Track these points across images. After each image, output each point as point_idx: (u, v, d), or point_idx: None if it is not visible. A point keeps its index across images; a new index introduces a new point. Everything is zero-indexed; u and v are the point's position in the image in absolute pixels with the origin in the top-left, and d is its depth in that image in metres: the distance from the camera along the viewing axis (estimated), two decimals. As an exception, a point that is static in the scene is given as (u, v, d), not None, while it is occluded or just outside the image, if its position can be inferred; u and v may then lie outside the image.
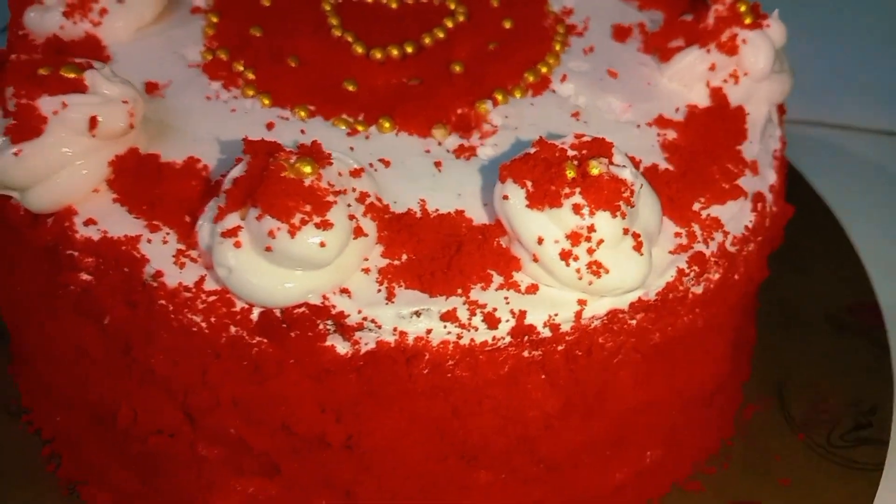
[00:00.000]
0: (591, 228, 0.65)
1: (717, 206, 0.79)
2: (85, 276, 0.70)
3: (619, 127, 0.85)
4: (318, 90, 0.85)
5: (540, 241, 0.66)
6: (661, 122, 0.86)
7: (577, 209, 0.65)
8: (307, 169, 0.64)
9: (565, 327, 0.67)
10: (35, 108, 0.68)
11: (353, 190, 0.67)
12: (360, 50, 0.89)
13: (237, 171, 0.66)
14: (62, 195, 0.70)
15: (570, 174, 0.66)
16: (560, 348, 0.68)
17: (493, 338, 0.66)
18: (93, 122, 0.68)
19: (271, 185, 0.62)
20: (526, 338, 0.66)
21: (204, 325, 0.66)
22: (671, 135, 0.85)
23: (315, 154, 0.66)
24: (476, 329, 0.65)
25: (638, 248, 0.67)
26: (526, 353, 0.68)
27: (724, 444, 0.93)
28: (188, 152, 0.76)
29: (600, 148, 0.70)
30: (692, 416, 0.86)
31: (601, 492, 0.82)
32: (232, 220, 0.64)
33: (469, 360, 0.66)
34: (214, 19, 0.95)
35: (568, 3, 1.03)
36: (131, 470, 0.79)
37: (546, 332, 0.67)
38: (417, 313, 0.65)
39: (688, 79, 0.90)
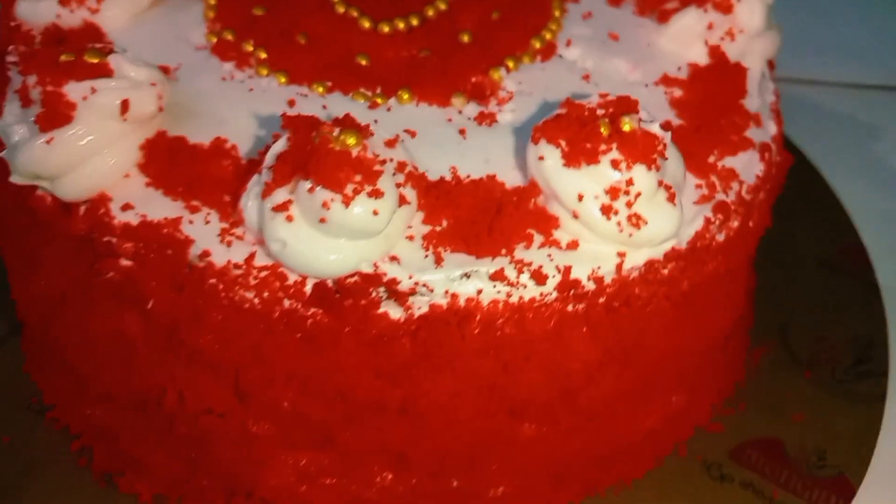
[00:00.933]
0: (630, 182, 0.67)
1: (729, 158, 0.82)
2: (125, 262, 0.69)
3: (629, 87, 0.87)
4: (332, 66, 0.85)
5: (580, 197, 0.68)
6: (667, 80, 0.89)
7: (615, 164, 0.67)
8: (352, 140, 0.64)
9: (607, 280, 0.70)
10: (62, 94, 0.67)
11: (391, 160, 0.68)
12: (367, 24, 0.89)
13: (279, 147, 0.66)
14: (95, 182, 0.69)
15: (605, 131, 0.69)
16: (601, 300, 0.71)
17: (541, 294, 0.68)
18: (124, 105, 0.67)
19: (322, 158, 0.63)
20: (571, 292, 0.69)
21: (256, 300, 0.67)
22: (677, 92, 0.88)
23: (355, 126, 0.66)
24: (524, 286, 0.67)
25: (671, 199, 0.70)
26: (570, 308, 0.70)
27: (738, 386, 0.98)
28: (214, 133, 0.75)
29: (627, 105, 0.72)
30: (711, 361, 0.90)
31: (633, 438, 0.85)
32: (281, 194, 0.64)
33: (517, 318, 0.68)
34: (213, 1, 0.94)
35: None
36: (175, 455, 0.79)
37: (590, 286, 0.69)
38: (467, 275, 0.67)
39: (686, 38, 0.93)
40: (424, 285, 0.66)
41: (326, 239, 0.63)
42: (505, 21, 0.93)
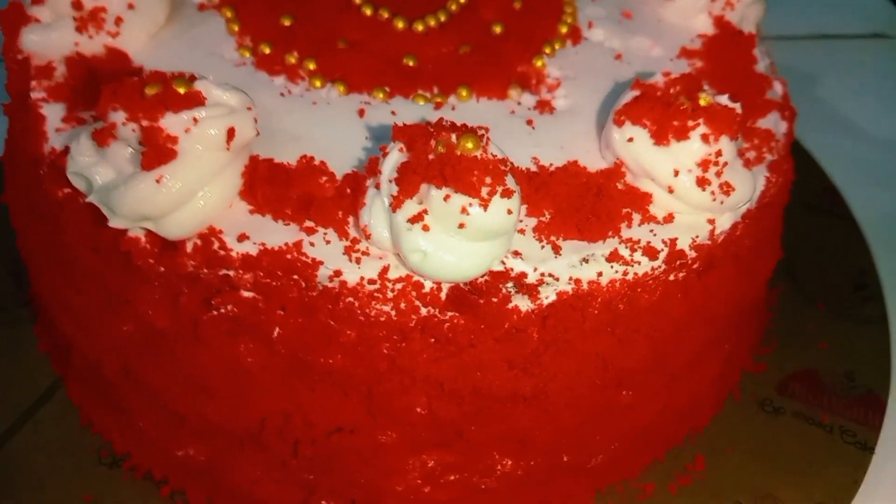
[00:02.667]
0: (718, 153, 0.72)
1: (762, 120, 0.89)
2: (246, 294, 0.68)
3: (656, 62, 0.92)
4: (383, 70, 0.85)
5: (675, 173, 0.72)
6: (687, 53, 0.94)
7: (704, 139, 0.72)
8: (471, 144, 0.66)
9: (704, 245, 0.75)
10: (161, 129, 0.64)
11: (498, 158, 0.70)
12: (401, 24, 0.90)
13: (397, 159, 0.66)
14: (203, 216, 0.67)
15: (683, 104, 0.73)
16: (695, 266, 0.76)
17: (652, 268, 0.72)
18: (230, 133, 0.65)
19: (454, 164, 0.64)
20: (677, 262, 0.73)
21: (393, 312, 0.67)
22: (698, 63, 0.94)
23: (471, 130, 0.67)
24: (638, 263, 0.71)
25: (747, 164, 0.76)
26: (671, 277, 0.75)
27: (766, 326, 1.07)
28: (296, 151, 0.74)
29: (692, 82, 0.77)
30: (751, 307, 0.98)
31: (703, 389, 0.92)
32: (412, 206, 0.65)
33: (631, 293, 0.72)
34: (229, 13, 0.91)
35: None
36: (292, 482, 0.78)
37: (692, 254, 0.74)
38: (585, 260, 0.70)
39: (692, 11, 0.99)
40: (550, 275, 0.69)
41: (464, 243, 0.65)
42: (527, 8, 0.95)
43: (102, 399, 0.85)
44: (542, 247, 0.70)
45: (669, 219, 0.74)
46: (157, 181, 0.64)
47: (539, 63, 0.88)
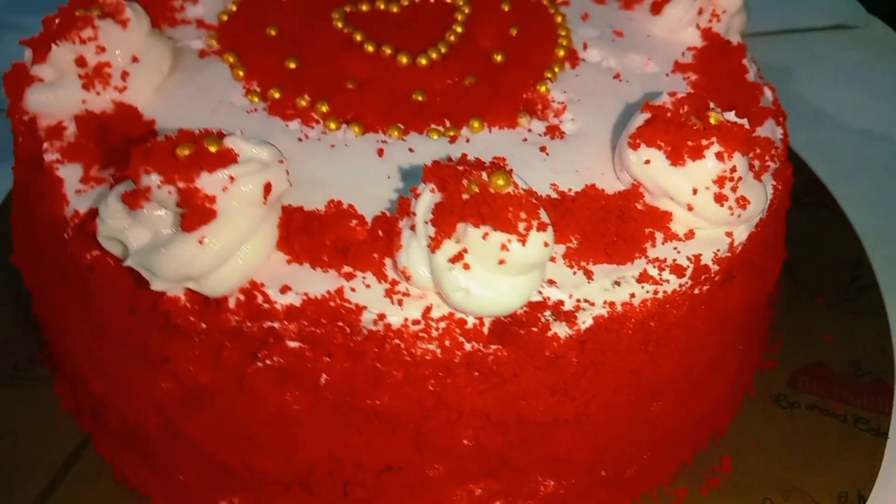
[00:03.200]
0: (733, 169, 0.75)
1: (759, 128, 0.92)
2: (292, 344, 0.68)
3: (653, 79, 0.95)
4: (394, 107, 0.86)
5: (695, 191, 0.75)
6: (680, 67, 0.97)
7: (719, 157, 0.75)
8: (501, 181, 0.67)
9: (724, 258, 0.77)
10: (198, 190, 0.64)
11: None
12: (405, 60, 0.91)
13: (430, 199, 0.68)
14: (245, 271, 0.67)
15: (694, 124, 0.76)
16: (717, 278, 0.78)
17: (680, 285, 0.75)
18: (267, 188, 0.66)
19: (489, 203, 0.65)
20: (703, 277, 0.76)
21: (438, 350, 0.68)
22: (693, 77, 0.97)
23: (499, 167, 0.69)
24: (668, 281, 0.74)
25: (757, 176, 0.79)
26: (696, 291, 0.77)
27: (772, 325, 1.10)
28: (323, 196, 0.75)
29: (698, 100, 0.79)
30: (762, 307, 1.02)
31: (723, 391, 0.95)
32: (450, 246, 0.66)
33: (661, 311, 0.75)
34: (232, 59, 0.91)
35: (531, -24, 1.11)
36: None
37: (715, 268, 0.76)
38: (617, 282, 0.72)
39: (679, 25, 1.02)
40: (585, 300, 0.71)
41: (503, 278, 0.66)
42: (523, 34, 0.97)
43: (138, 454, 0.85)
44: (574, 273, 0.72)
45: (690, 235, 0.77)
46: (200, 242, 0.64)
47: (543, 89, 0.90)
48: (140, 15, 0.87)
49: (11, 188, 1.20)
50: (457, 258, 0.66)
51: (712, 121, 0.76)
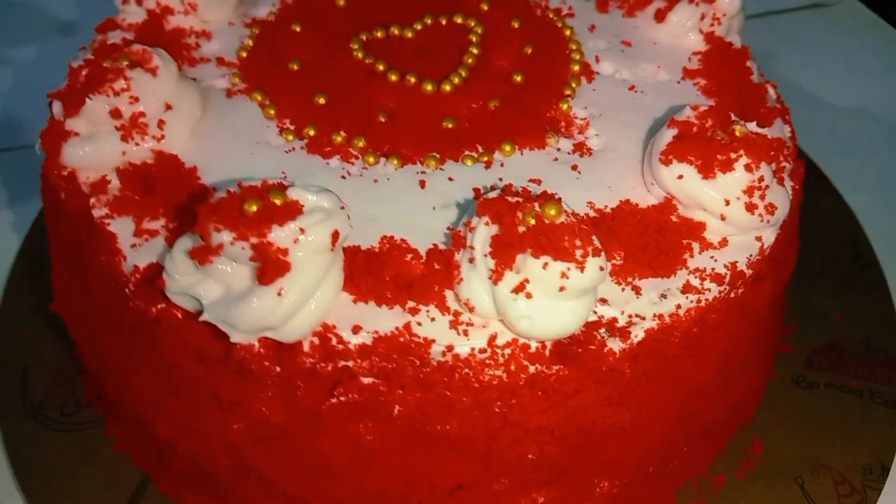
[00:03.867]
0: (761, 179, 0.79)
1: (770, 129, 0.96)
2: (365, 380, 0.72)
3: (666, 87, 0.99)
4: (427, 137, 0.89)
5: (727, 202, 0.79)
6: (689, 73, 1.01)
7: (748, 168, 0.79)
8: (553, 210, 0.71)
9: (756, 262, 0.82)
10: (271, 244, 0.67)
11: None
12: (430, 87, 0.94)
13: (487, 232, 0.71)
14: (319, 315, 0.70)
15: (721, 137, 0.80)
16: (750, 281, 0.83)
17: (720, 292, 0.79)
18: (335, 236, 0.69)
19: (547, 234, 0.69)
20: (739, 282, 0.80)
21: (504, 375, 0.72)
22: (703, 82, 1.01)
23: (550, 196, 0.72)
24: (709, 290, 0.78)
25: (780, 180, 0.83)
26: (732, 294, 0.82)
27: (785, 309, 1.16)
28: (375, 233, 0.78)
29: (721, 113, 0.84)
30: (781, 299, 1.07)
31: (752, 380, 1.00)
32: (512, 277, 0.69)
33: (704, 318, 0.79)
34: (260, 97, 0.93)
35: (532, -13, 1.14)
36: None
37: (749, 272, 0.81)
38: (664, 295, 0.77)
39: (683, 31, 1.06)
40: (637, 315, 0.75)
41: (563, 303, 0.70)
42: (538, 51, 1.00)
43: (206, 493, 0.88)
44: (623, 289, 0.76)
45: (724, 243, 0.81)
46: (279, 294, 0.67)
47: (565, 106, 0.94)
48: (167, 61, 0.89)
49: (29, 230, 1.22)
50: (519, 288, 0.69)
51: (738, 133, 0.81)
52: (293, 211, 0.69)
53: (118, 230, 0.79)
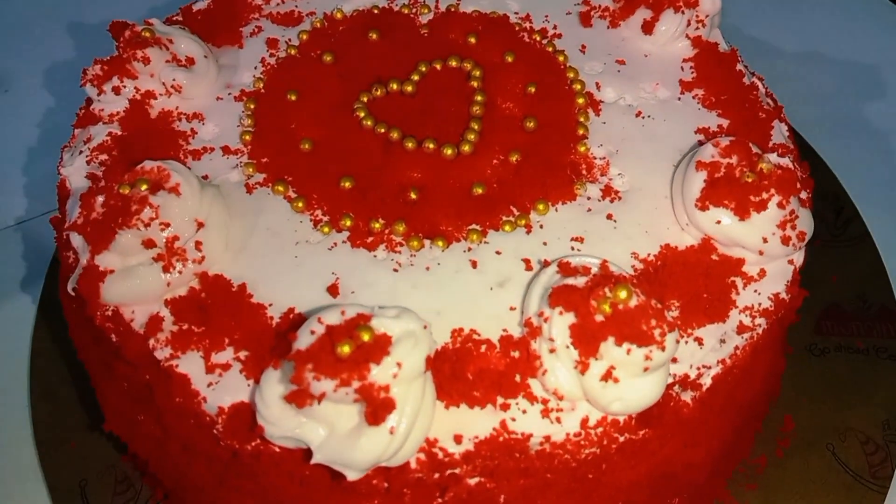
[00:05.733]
0: (792, 212, 0.84)
1: (773, 132, 1.00)
2: (471, 481, 0.75)
3: (669, 106, 1.01)
4: (463, 209, 0.89)
5: (765, 240, 0.84)
6: (686, 85, 1.04)
7: (780, 205, 0.83)
8: (624, 293, 0.74)
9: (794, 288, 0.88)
10: (373, 384, 0.68)
11: (630, 278, 0.78)
12: (450, 152, 0.93)
13: (564, 322, 0.74)
14: (423, 435, 0.72)
15: (752, 179, 0.84)
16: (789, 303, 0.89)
17: (768, 323, 0.85)
18: (428, 361, 0.71)
19: (627, 322, 0.72)
20: (782, 312, 0.86)
21: (598, 450, 0.77)
22: (700, 93, 1.03)
23: (620, 279, 0.75)
24: (760, 325, 0.84)
25: (804, 204, 0.88)
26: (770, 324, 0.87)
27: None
28: (446, 327, 0.80)
29: (743, 147, 0.87)
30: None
31: (781, 367, 1.08)
32: (597, 365, 0.73)
33: (756, 350, 0.85)
34: (283, 189, 0.91)
35: (513, 7, 1.12)
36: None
37: (788, 297, 0.87)
38: (723, 340, 0.82)
39: (672, 39, 1.07)
40: (703, 366, 0.80)
41: (647, 378, 0.74)
42: (541, 90, 1.01)
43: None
44: (687, 342, 0.81)
45: (763, 273, 0.86)
46: (391, 432, 0.69)
47: (583, 148, 0.95)
48: (185, 174, 0.86)
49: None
50: (607, 376, 0.73)
51: (764, 170, 0.85)
52: (384, 344, 0.70)
53: (188, 370, 0.79)
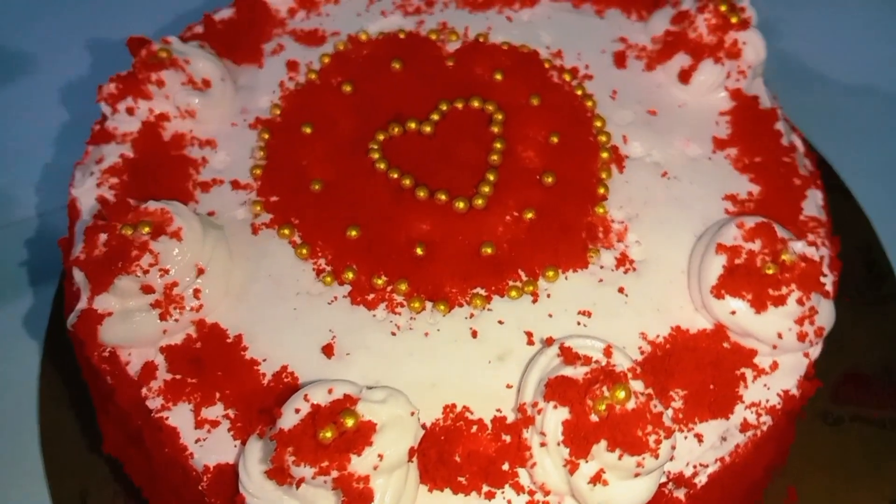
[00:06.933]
0: (812, 309, 0.80)
1: (805, 203, 0.95)
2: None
3: (698, 166, 0.96)
4: (469, 271, 0.86)
5: (780, 335, 0.80)
6: (720, 143, 0.99)
7: (799, 301, 0.79)
8: (622, 393, 0.71)
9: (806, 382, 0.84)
10: (352, 474, 0.67)
11: (627, 370, 0.76)
12: (462, 205, 0.90)
13: (557, 417, 0.72)
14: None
15: (772, 271, 0.80)
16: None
17: (774, 420, 0.82)
18: (412, 452, 0.69)
19: (620, 427, 0.70)
20: (791, 406, 0.83)
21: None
22: (733, 153, 0.98)
23: (616, 378, 0.73)
24: (765, 423, 0.81)
25: (827, 295, 0.84)
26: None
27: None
28: (438, 402, 0.78)
29: (767, 231, 0.83)
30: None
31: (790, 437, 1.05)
32: (587, 466, 0.71)
33: (758, 446, 0.82)
34: (288, 232, 0.90)
35: (545, 40, 1.07)
36: None
37: (799, 392, 0.83)
38: (724, 438, 0.79)
39: (709, 90, 1.02)
40: (700, 464, 0.78)
41: (639, 480, 0.72)
42: (564, 139, 0.96)
43: None
44: (686, 437, 0.78)
45: (775, 366, 0.83)
46: (365, 517, 0.68)
47: (601, 210, 0.91)
48: (189, 220, 0.84)
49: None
50: (596, 478, 0.71)
51: (787, 261, 0.80)
52: (367, 433, 0.68)
53: (178, 423, 0.78)
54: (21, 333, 1.18)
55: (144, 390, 0.80)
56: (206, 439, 0.78)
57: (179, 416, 0.79)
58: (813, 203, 0.95)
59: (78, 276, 0.84)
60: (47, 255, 1.24)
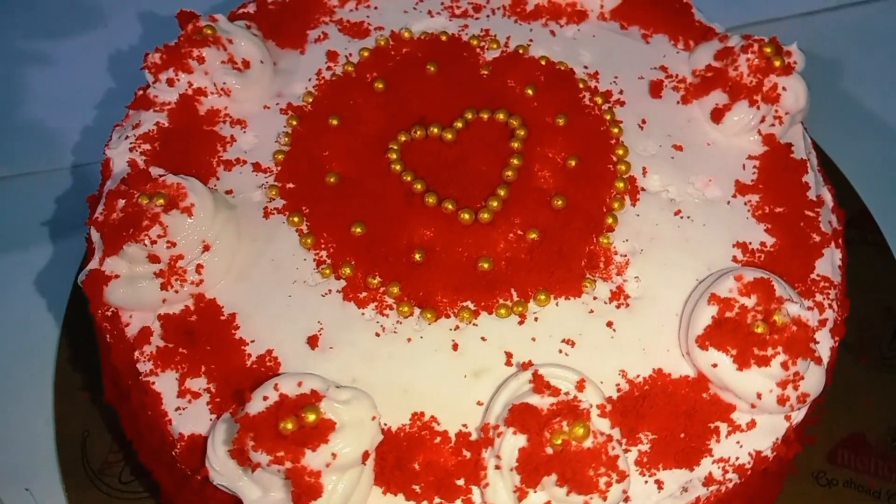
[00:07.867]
0: (797, 374, 0.79)
1: (820, 261, 0.93)
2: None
3: (714, 209, 0.95)
4: (462, 283, 0.87)
5: (759, 396, 0.79)
6: (742, 188, 0.96)
7: (784, 365, 0.78)
8: (580, 430, 0.72)
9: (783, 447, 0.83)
10: (304, 467, 0.70)
11: (594, 407, 0.76)
12: (467, 217, 0.91)
13: (515, 444, 0.73)
14: (351, 518, 0.74)
15: (762, 330, 0.79)
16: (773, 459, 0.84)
17: (740, 478, 0.81)
18: (365, 455, 0.72)
19: (573, 465, 0.70)
20: (763, 469, 0.82)
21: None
22: (754, 200, 0.96)
23: (577, 415, 0.73)
24: (731, 480, 0.80)
25: (818, 361, 0.82)
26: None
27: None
28: (408, 408, 0.80)
29: (765, 287, 0.81)
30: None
31: (773, 490, 1.03)
32: (535, 496, 0.72)
33: (721, 500, 0.81)
34: (297, 221, 0.93)
35: (584, 59, 1.06)
36: None
37: (773, 455, 0.82)
38: (685, 489, 0.79)
39: (740, 132, 0.99)
40: (656, 510, 0.78)
41: (586, 520, 0.73)
42: (582, 164, 0.96)
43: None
44: (646, 482, 0.78)
45: (752, 424, 0.82)
46: (319, 515, 0.71)
47: (605, 241, 0.91)
48: (202, 195, 0.88)
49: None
50: (542, 515, 0.72)
51: (778, 323, 0.79)
52: (325, 431, 0.71)
53: (162, 389, 0.83)
54: (54, 274, 1.25)
55: (137, 353, 0.84)
56: (186, 409, 0.82)
57: (165, 383, 0.83)
58: (829, 262, 0.93)
59: (95, 236, 0.89)
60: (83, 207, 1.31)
